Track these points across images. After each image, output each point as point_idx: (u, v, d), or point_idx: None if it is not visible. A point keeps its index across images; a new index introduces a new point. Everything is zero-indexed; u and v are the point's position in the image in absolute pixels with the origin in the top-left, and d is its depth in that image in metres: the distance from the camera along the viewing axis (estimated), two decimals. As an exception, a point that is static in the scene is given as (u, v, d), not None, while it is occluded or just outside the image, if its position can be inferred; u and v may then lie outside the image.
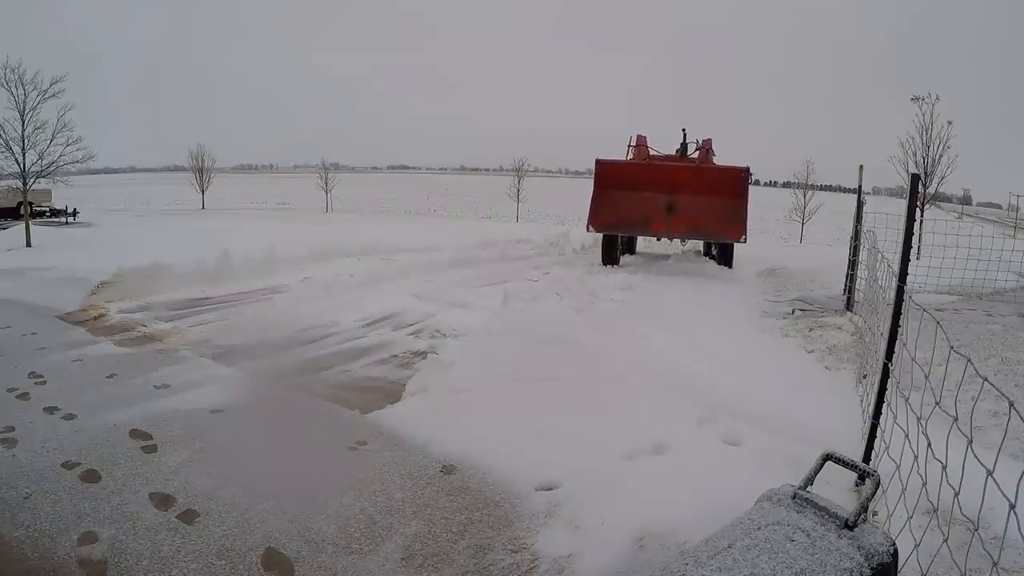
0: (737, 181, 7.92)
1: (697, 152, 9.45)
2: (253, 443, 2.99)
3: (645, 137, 9.38)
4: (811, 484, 1.47)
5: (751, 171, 8.04)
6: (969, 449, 1.42)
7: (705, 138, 9.73)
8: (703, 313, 5.49)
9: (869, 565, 1.21)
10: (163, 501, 2.39)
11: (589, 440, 2.88)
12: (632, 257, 9.95)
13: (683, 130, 9.80)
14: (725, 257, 8.31)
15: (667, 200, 7.94)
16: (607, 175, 8.19)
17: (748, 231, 7.84)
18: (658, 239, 10.15)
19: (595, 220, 8.11)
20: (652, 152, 9.19)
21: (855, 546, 1.24)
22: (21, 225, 11.86)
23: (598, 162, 8.23)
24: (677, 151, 9.59)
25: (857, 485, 2.41)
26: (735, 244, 8.15)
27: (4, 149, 11.29)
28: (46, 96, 11.54)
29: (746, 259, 8.84)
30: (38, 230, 12.51)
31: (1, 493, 2.41)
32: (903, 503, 1.82)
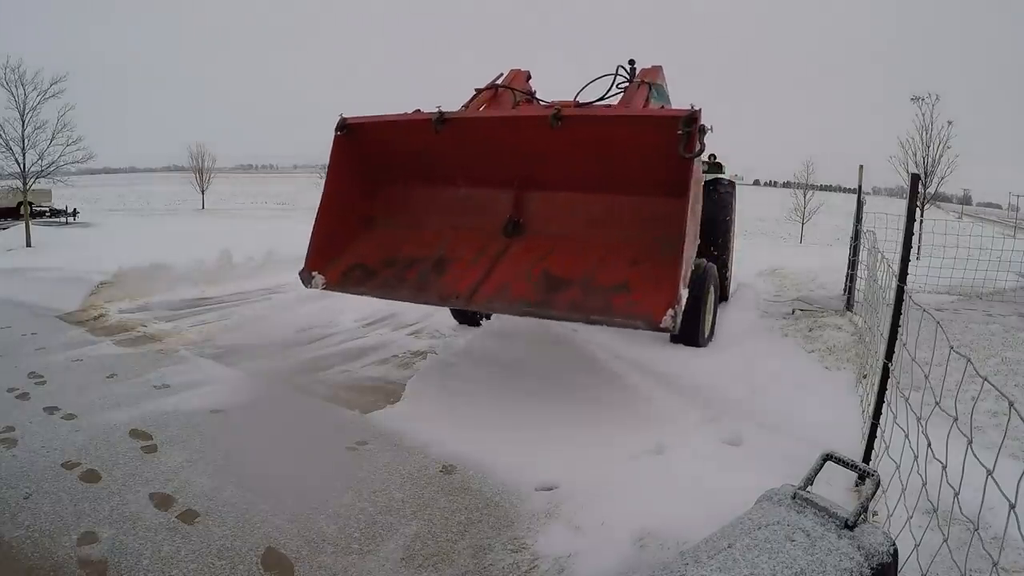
0: (666, 149, 2.82)
1: (623, 95, 3.83)
2: (253, 443, 2.99)
3: (526, 72, 4.25)
4: (811, 484, 1.47)
5: (703, 122, 2.79)
6: (969, 449, 1.42)
7: (651, 66, 4.23)
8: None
9: (869, 565, 1.22)
10: (163, 501, 2.39)
11: (589, 440, 2.88)
12: None
13: (631, 63, 4.24)
14: (688, 332, 4.13)
15: (507, 205, 3.51)
16: (359, 153, 3.56)
17: (680, 286, 2.70)
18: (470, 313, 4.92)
19: (320, 259, 3.43)
20: (543, 104, 3.84)
21: (855, 546, 1.24)
22: (21, 225, 11.86)
23: (343, 126, 3.46)
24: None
25: (857, 485, 2.41)
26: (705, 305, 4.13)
27: (4, 149, 11.31)
28: (46, 96, 11.58)
29: (746, 259, 8.72)
30: (38, 230, 12.51)
31: (1, 493, 2.41)
32: (903, 503, 1.82)
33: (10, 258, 8.85)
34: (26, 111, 11.41)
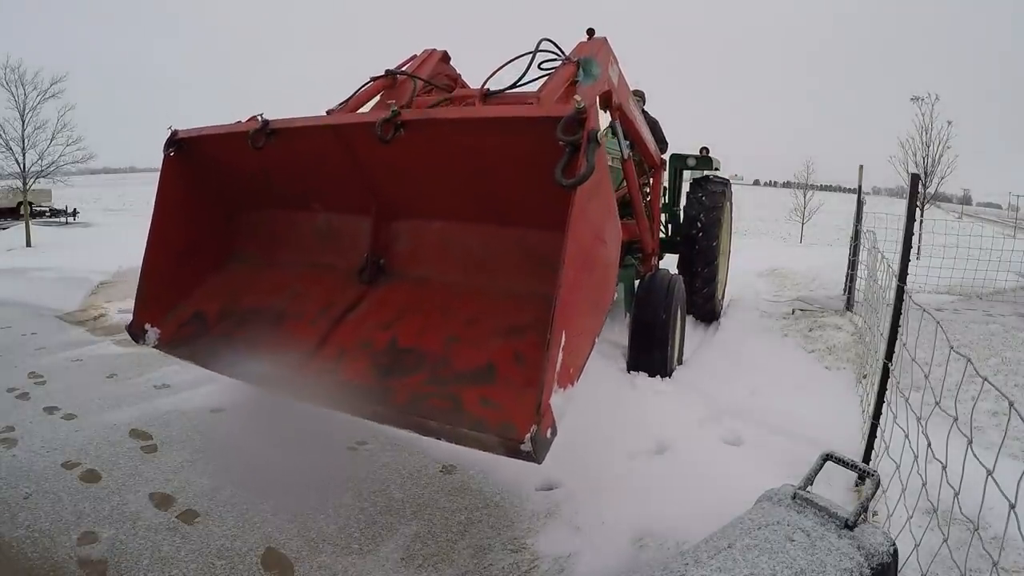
0: (539, 166, 1.74)
1: (546, 82, 2.47)
2: (253, 443, 2.98)
3: (441, 53, 3.24)
4: (811, 484, 1.47)
5: (597, 126, 1.69)
6: (969, 449, 1.42)
7: (591, 38, 2.72)
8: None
9: (869, 565, 1.22)
10: (163, 501, 2.39)
11: (589, 440, 2.88)
12: None
13: (589, 32, 2.78)
14: (653, 364, 3.65)
15: (367, 239, 2.56)
16: (198, 174, 2.76)
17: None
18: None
19: (154, 308, 2.79)
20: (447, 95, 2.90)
21: (855, 546, 1.25)
22: (21, 225, 11.88)
23: (173, 142, 2.66)
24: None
25: (857, 485, 2.41)
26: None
27: (4, 149, 11.33)
28: (46, 96, 11.60)
29: (745, 259, 8.73)
30: (38, 230, 12.53)
31: (1, 493, 2.41)
32: (903, 503, 1.82)
33: (10, 258, 8.86)
34: (26, 111, 11.43)
